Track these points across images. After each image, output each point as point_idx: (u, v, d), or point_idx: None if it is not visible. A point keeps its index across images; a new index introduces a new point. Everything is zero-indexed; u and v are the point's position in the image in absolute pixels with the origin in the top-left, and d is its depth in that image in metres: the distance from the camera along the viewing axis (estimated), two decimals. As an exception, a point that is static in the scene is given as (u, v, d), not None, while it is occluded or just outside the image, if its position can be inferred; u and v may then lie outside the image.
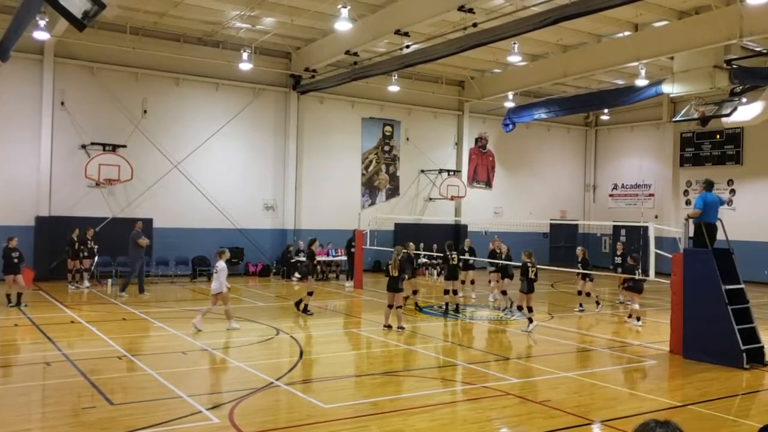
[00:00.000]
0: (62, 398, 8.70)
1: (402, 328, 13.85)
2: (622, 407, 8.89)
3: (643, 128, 31.80)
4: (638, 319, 15.50)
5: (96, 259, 20.72)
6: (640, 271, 16.07)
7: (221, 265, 13.62)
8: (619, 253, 18.46)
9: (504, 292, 17.67)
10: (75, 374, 9.81)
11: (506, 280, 17.77)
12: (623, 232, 31.47)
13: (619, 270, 17.89)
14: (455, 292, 17.00)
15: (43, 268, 20.00)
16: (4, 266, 16.07)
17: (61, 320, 14.35)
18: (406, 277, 14.51)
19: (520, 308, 14.82)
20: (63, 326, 13.68)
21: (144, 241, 18.73)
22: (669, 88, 22.15)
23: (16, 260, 16.03)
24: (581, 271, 17.62)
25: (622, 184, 32.81)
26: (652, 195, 31.35)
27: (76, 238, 19.42)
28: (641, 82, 23.09)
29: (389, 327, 13.92)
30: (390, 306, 13.95)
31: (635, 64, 21.81)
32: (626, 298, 17.75)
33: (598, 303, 17.78)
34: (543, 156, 32.91)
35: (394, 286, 13.89)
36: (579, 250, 18.49)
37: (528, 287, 14.36)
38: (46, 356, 11.00)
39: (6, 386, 9.50)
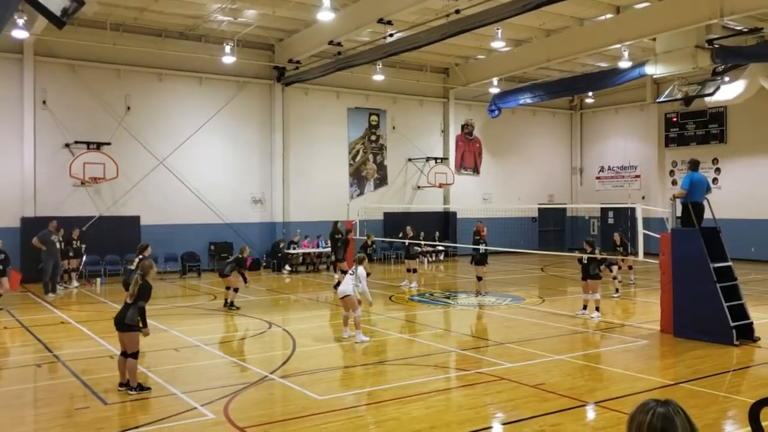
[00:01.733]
0: (55, 399, 8.65)
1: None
2: (615, 387, 8.96)
3: (628, 110, 31.92)
4: (584, 307, 14.52)
5: (84, 258, 20.57)
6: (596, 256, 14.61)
7: (360, 271, 12.23)
8: (618, 243, 18.30)
9: (479, 278, 17.57)
10: (67, 375, 9.76)
11: (478, 267, 17.61)
12: (611, 214, 31.64)
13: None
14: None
15: (31, 270, 19.83)
16: None
17: (51, 321, 14.25)
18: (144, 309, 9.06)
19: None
20: (53, 327, 13.59)
21: (38, 244, 17.97)
22: (652, 69, 22.21)
23: (1, 263, 15.88)
24: (619, 257, 17.54)
25: (609, 167, 32.94)
26: (638, 176, 31.50)
27: (61, 238, 19.26)
28: (624, 64, 23.15)
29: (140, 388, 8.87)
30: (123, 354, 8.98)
31: (618, 46, 21.85)
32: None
33: (617, 290, 17.40)
34: (529, 141, 32.96)
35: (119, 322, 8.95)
36: (616, 235, 18.22)
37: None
38: (36, 358, 10.93)
39: (-2, 389, 9.43)
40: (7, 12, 16.23)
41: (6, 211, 20.73)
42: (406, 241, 20.38)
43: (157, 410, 7.95)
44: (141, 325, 8.77)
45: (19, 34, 18.08)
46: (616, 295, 17.05)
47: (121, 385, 8.77)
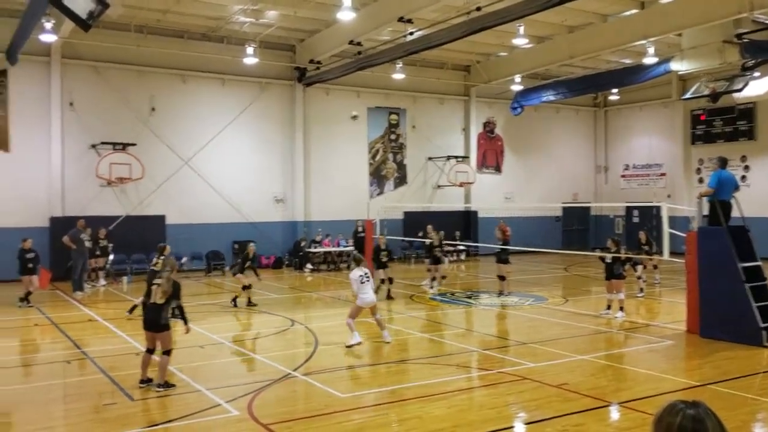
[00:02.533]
0: (83, 395, 8.81)
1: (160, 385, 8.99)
2: (639, 388, 8.88)
3: (653, 107, 31.55)
4: (608, 307, 14.38)
5: (111, 257, 20.86)
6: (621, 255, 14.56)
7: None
8: (644, 241, 18.11)
9: (502, 277, 17.49)
10: (95, 372, 9.92)
11: (501, 265, 17.55)
12: (636, 212, 31.31)
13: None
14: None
15: (60, 268, 20.16)
16: (21, 267, 16.23)
17: (79, 318, 14.49)
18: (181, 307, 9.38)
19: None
20: (81, 324, 13.81)
21: (69, 242, 18.24)
22: (678, 66, 21.95)
23: (32, 261, 16.21)
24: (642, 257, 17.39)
25: (634, 165, 32.60)
26: (663, 174, 31.13)
27: (89, 237, 19.53)
28: (649, 61, 22.89)
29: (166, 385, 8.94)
30: (149, 351, 9.17)
31: (643, 42, 21.58)
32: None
33: (641, 290, 17.26)
34: (553, 138, 32.73)
35: (153, 322, 9.00)
36: (641, 233, 17.98)
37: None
38: (65, 354, 11.12)
39: (29, 385, 9.63)
40: (35, 18, 16.58)
41: (35, 211, 21.11)
42: (427, 241, 20.25)
43: (183, 407, 8.05)
44: (184, 321, 9.14)
45: (47, 37, 18.39)
46: (640, 295, 16.88)
47: (142, 381, 8.90)
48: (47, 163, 21.42)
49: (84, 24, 12.17)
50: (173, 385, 8.88)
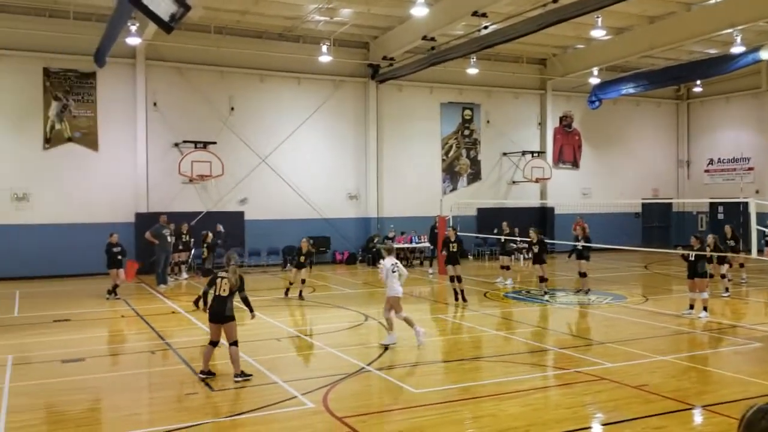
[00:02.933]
0: (167, 385, 9.18)
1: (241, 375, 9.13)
2: (725, 391, 8.53)
3: (740, 98, 30.14)
4: (705, 309, 13.66)
5: (192, 251, 21.60)
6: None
7: (400, 265, 11.61)
8: (729, 236, 17.42)
9: (583, 275, 17.14)
10: (177, 362, 10.32)
11: (582, 262, 17.19)
12: (721, 209, 30.02)
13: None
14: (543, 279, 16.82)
15: (144, 263, 21.03)
16: (108, 261, 17.02)
17: (163, 311, 15.08)
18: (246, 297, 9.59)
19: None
20: (164, 316, 14.38)
21: (151, 238, 18.89)
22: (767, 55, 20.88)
23: (118, 255, 16.97)
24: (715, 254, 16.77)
25: (719, 159, 31.25)
26: (751, 169, 29.70)
27: (172, 233, 20.28)
28: (737, 50, 21.85)
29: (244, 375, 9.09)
30: (213, 344, 9.36)
31: (729, 31, 20.63)
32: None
33: (727, 289, 16.59)
34: (632, 133, 31.74)
35: (220, 314, 9.24)
36: (727, 227, 17.45)
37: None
38: (150, 345, 11.61)
39: (117, 373, 10.10)
40: (120, 22, 17.32)
41: (122, 208, 22.11)
42: (502, 237, 20.11)
43: (260, 398, 8.27)
44: (250, 310, 9.50)
45: (132, 40, 19.23)
46: (725, 295, 16.20)
47: (202, 372, 9.11)
48: (133, 161, 22.38)
49: (166, 26, 12.62)
50: (250, 375, 9.09)
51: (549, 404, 8.18)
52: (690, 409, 7.83)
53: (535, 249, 16.93)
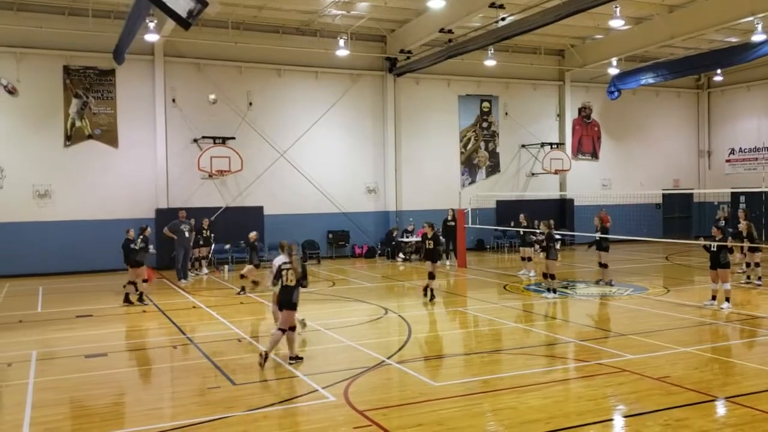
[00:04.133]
0: (189, 379, 9.28)
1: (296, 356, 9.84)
2: (748, 383, 8.45)
3: (762, 87, 29.71)
4: (713, 297, 13.67)
5: (213, 246, 21.75)
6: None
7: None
8: (742, 219, 17.28)
9: (604, 265, 17.01)
10: (199, 356, 10.42)
11: (602, 253, 17.07)
12: (743, 199, 29.65)
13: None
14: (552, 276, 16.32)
15: (165, 257, 21.22)
16: (126, 257, 17.03)
17: (184, 306, 15.23)
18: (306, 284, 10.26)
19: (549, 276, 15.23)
20: (185, 311, 14.52)
21: (169, 233, 19.01)
22: (790, 42, 20.57)
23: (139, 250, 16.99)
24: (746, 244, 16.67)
25: (740, 149, 30.86)
26: (774, 158, 29.30)
27: (192, 228, 20.42)
28: (758, 38, 21.55)
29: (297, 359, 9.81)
30: (282, 331, 9.79)
31: (750, 19, 20.35)
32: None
33: (749, 277, 16.71)
34: (652, 123, 31.43)
35: (288, 301, 9.88)
36: (744, 224, 17.05)
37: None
38: (172, 340, 11.74)
39: (139, 368, 10.23)
40: (139, 19, 17.45)
41: (143, 203, 22.32)
42: (521, 230, 20.05)
43: (282, 391, 8.34)
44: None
45: (151, 37, 19.35)
46: (758, 283, 16.12)
47: (290, 358, 9.70)
48: (152, 157, 22.57)
49: (184, 23, 12.70)
50: (301, 358, 9.74)
51: (570, 396, 8.16)
52: (712, 400, 7.78)
53: (543, 243, 16.05)
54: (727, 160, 31.47)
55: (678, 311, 13.42)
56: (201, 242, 21.00)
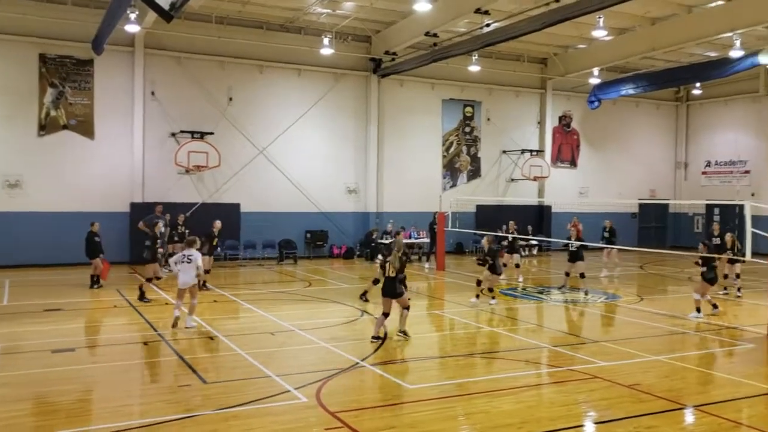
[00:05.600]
0: (159, 376, 9.15)
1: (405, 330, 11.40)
2: (717, 392, 8.54)
3: (739, 102, 30.18)
4: (698, 310, 13.75)
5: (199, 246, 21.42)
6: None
7: (196, 254, 12.03)
8: (716, 234, 17.50)
9: (581, 275, 17.10)
10: (170, 354, 10.28)
11: (579, 263, 17.13)
12: (717, 211, 30.07)
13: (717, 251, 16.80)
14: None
15: (138, 253, 20.93)
16: (89, 250, 16.89)
17: (156, 302, 15.02)
18: (405, 276, 11.64)
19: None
20: (158, 307, 14.32)
21: (144, 227, 18.81)
22: (766, 59, 20.88)
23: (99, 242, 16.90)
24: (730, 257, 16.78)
25: (716, 161, 31.29)
26: (748, 172, 29.77)
27: (168, 223, 20.17)
28: (736, 54, 21.85)
29: (378, 338, 11.08)
30: (386, 315, 11.22)
31: (729, 34, 20.67)
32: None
33: (725, 288, 16.81)
34: (631, 133, 31.77)
35: (392, 291, 11.23)
36: (729, 236, 17.00)
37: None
38: (143, 336, 11.57)
39: (107, 364, 10.04)
40: (120, 9, 17.22)
41: (117, 196, 22.02)
42: (510, 236, 20.08)
43: (253, 392, 8.24)
44: (405, 288, 11.42)
45: (131, 28, 19.08)
46: (738, 294, 16.42)
47: (374, 338, 10.95)
48: (129, 150, 22.28)
49: (166, 15, 12.57)
50: (409, 336, 11.14)
51: (542, 402, 8.18)
52: (681, 408, 7.84)
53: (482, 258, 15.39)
54: (703, 173, 31.89)
55: (651, 320, 13.53)
56: (176, 238, 20.73)
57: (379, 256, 24.06)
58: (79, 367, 9.54)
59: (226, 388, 8.45)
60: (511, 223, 20.50)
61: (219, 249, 17.10)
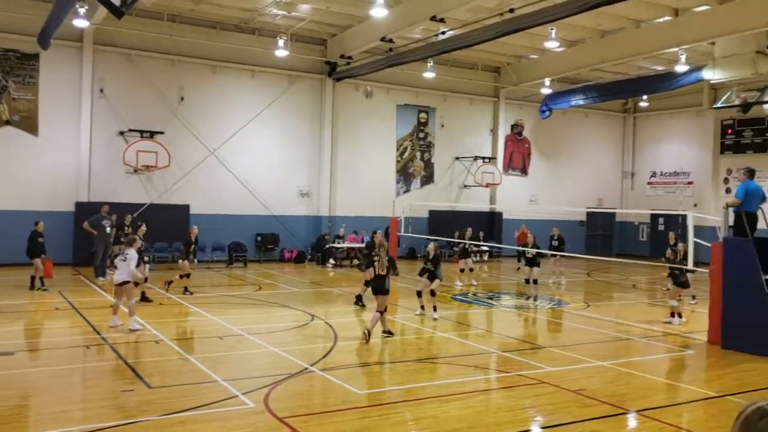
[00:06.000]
0: (101, 381, 8.91)
1: (389, 333, 11.92)
2: (658, 397, 8.77)
3: (683, 115, 31.13)
4: (679, 315, 14.39)
5: (141, 246, 20.95)
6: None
7: (132, 254, 12.05)
8: (672, 242, 17.93)
9: (535, 281, 17.35)
10: (114, 358, 10.03)
11: (534, 269, 17.40)
12: (661, 220, 30.94)
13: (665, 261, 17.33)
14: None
15: (82, 253, 20.42)
16: (31, 249, 16.40)
17: (100, 304, 14.64)
18: (397, 271, 12.87)
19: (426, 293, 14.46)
20: (101, 310, 13.93)
21: (89, 228, 18.55)
22: (710, 74, 21.65)
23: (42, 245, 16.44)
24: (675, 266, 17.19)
25: (661, 172, 32.21)
26: (691, 183, 30.72)
27: (114, 224, 19.74)
28: (681, 68, 22.59)
29: (389, 333, 11.96)
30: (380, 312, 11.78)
31: (675, 49, 21.32)
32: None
33: (693, 296, 17.22)
34: (580, 143, 32.46)
35: (382, 288, 11.85)
36: (682, 246, 17.71)
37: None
38: (85, 339, 11.25)
39: (47, 368, 9.72)
40: (68, 3, 16.78)
41: (61, 196, 21.39)
42: (466, 242, 20.39)
43: (199, 397, 8.10)
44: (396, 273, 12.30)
45: (80, 23, 18.56)
46: (693, 302, 16.82)
47: (367, 331, 11.39)
48: (75, 148, 21.69)
49: (117, 11, 12.30)
50: (392, 333, 11.72)
51: (490, 407, 8.25)
52: (624, 413, 8.02)
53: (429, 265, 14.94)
54: (649, 183, 32.79)
55: (596, 326, 13.82)
56: (122, 239, 20.24)
57: (331, 260, 24.21)
58: (18, 372, 9.22)
59: (171, 393, 8.28)
60: (470, 229, 20.87)
61: (195, 255, 16.94)
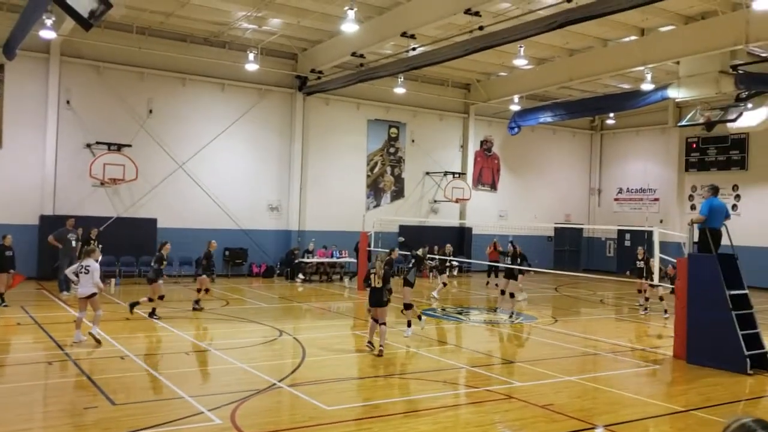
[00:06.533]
0: (64, 398, 8.70)
1: (381, 349, 11.81)
2: (624, 412, 8.84)
3: (649, 132, 31.73)
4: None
5: (100, 258, 20.63)
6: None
7: (94, 265, 12.04)
8: (640, 257, 18.24)
9: (511, 294, 17.47)
10: (77, 374, 9.81)
11: (511, 281, 17.57)
12: (628, 236, 31.39)
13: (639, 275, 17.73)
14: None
15: (46, 267, 20.01)
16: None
17: (64, 319, 14.34)
18: (391, 289, 12.43)
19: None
20: (65, 325, 13.65)
21: (54, 242, 18.35)
22: (675, 93, 22.09)
23: (10, 259, 16.02)
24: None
25: (627, 189, 32.74)
26: (657, 199, 31.26)
27: (80, 238, 19.40)
28: (647, 87, 23.05)
29: (372, 345, 12.01)
30: (376, 321, 12.06)
31: (641, 68, 21.76)
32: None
33: (645, 309, 17.62)
34: (548, 159, 32.86)
35: (379, 301, 12.00)
36: (651, 261, 17.82)
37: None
38: (47, 355, 11.00)
39: (7, 385, 9.48)
40: (35, 14, 16.54)
41: (26, 209, 20.97)
42: (448, 258, 20.61)
43: (165, 413, 7.95)
44: (389, 292, 12.07)
45: (47, 34, 18.33)
46: (666, 316, 16.89)
47: (369, 343, 11.87)
48: (40, 160, 21.31)
49: (85, 23, 12.14)
50: (374, 347, 11.71)
51: (459, 422, 8.24)
52: (591, 428, 8.06)
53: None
54: (615, 199, 33.28)
55: (564, 341, 13.92)
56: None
57: (300, 275, 24.05)
58: (-25, 389, 8.96)
59: (136, 410, 8.12)
60: (448, 246, 21.01)
61: (214, 269, 16.91)
